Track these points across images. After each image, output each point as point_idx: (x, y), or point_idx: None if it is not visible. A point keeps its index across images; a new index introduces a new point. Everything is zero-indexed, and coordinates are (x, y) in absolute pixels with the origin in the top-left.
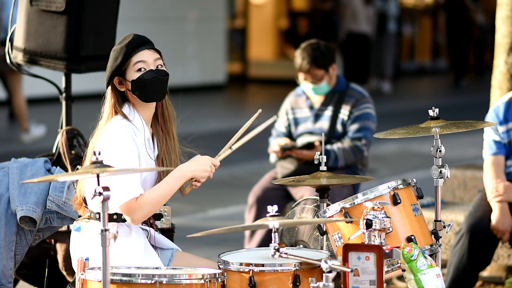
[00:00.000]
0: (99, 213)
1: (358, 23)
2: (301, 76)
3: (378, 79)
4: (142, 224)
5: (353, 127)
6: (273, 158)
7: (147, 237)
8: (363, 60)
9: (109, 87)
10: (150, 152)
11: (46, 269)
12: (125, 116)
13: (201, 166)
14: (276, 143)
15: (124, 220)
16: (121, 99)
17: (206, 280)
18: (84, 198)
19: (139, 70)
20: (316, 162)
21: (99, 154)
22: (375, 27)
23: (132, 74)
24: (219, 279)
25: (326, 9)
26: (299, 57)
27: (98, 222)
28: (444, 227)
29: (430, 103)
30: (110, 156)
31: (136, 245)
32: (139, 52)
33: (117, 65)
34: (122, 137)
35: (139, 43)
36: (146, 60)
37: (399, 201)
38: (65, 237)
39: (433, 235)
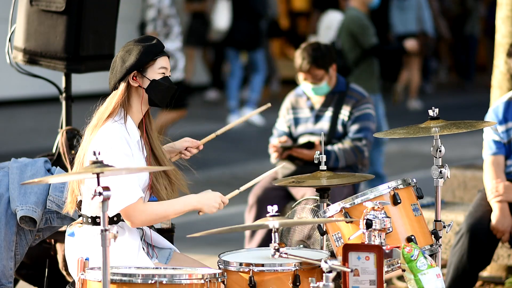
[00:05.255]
0: (91, 218)
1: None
2: (301, 76)
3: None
4: None
5: (354, 128)
6: (273, 158)
7: (141, 236)
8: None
9: (124, 80)
10: (141, 153)
11: (46, 269)
12: (126, 115)
13: (210, 201)
14: (276, 141)
15: (116, 222)
16: (127, 96)
17: (206, 280)
18: (80, 201)
19: (162, 74)
20: (316, 161)
21: (99, 154)
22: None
23: (154, 75)
24: (219, 279)
25: (200, 10)
26: (299, 57)
27: (90, 226)
28: (444, 227)
29: (431, 103)
30: (107, 159)
31: (130, 245)
32: (163, 56)
33: (144, 61)
34: (117, 140)
35: (163, 47)
36: (167, 67)
37: (399, 201)
38: (65, 237)
39: (433, 235)
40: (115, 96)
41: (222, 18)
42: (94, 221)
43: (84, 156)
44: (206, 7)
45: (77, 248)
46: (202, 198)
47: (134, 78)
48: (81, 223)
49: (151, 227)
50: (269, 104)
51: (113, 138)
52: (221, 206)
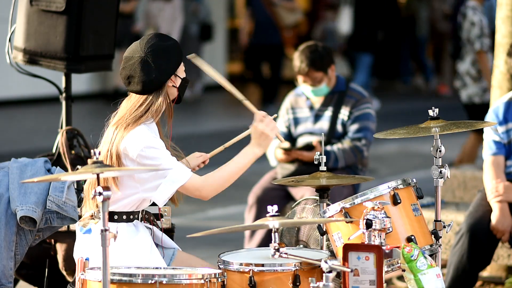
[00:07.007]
0: (110, 213)
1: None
2: (300, 79)
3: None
4: (145, 222)
5: (353, 127)
6: (273, 162)
7: (151, 235)
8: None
9: (165, 83)
10: None
11: (46, 269)
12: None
13: (264, 141)
14: (276, 147)
15: (127, 220)
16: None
17: (206, 280)
18: None
19: (184, 70)
20: (316, 162)
21: (99, 154)
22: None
23: (182, 73)
24: (219, 279)
25: (126, 10)
26: (297, 59)
27: (109, 222)
28: (444, 227)
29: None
30: (155, 154)
31: (143, 244)
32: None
33: (181, 61)
34: (154, 138)
35: None
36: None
37: (399, 201)
38: (65, 237)
39: (433, 235)
40: (157, 98)
41: (345, 23)
42: (121, 217)
43: (119, 152)
44: (133, 8)
45: (93, 246)
46: (260, 144)
47: (171, 79)
48: (92, 217)
49: (158, 226)
50: (275, 115)
51: (151, 137)
52: (275, 129)
